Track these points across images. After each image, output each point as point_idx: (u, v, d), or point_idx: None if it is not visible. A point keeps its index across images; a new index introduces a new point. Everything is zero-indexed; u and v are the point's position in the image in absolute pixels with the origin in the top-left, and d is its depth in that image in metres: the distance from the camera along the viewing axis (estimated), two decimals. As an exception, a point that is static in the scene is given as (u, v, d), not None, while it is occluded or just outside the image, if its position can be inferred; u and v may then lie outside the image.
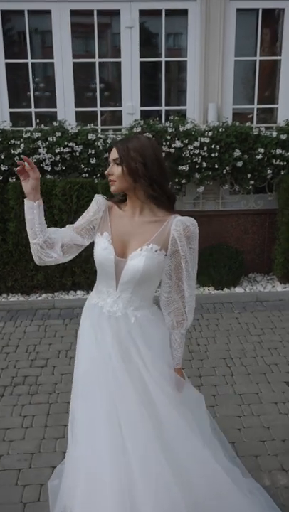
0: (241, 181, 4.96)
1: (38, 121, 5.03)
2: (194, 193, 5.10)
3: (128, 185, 1.75)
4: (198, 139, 4.65)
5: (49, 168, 4.69)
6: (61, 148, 4.59)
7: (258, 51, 5.15)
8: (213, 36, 4.91)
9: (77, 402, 1.90)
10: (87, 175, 4.74)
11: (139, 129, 4.64)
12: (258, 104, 5.26)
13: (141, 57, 5.00)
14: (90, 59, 5.08)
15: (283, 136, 4.78)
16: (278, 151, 4.76)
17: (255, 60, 5.17)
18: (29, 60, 5.01)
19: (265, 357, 3.65)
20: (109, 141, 4.67)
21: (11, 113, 5.07)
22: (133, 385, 1.76)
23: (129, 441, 1.74)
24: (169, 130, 4.66)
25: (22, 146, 4.57)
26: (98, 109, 5.14)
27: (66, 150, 4.61)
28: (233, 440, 2.67)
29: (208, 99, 5.05)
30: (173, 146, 4.64)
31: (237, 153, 4.69)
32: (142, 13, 4.93)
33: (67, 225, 1.88)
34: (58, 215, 4.55)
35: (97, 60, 5.05)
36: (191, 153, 4.68)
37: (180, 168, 4.71)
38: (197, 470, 1.85)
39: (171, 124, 4.73)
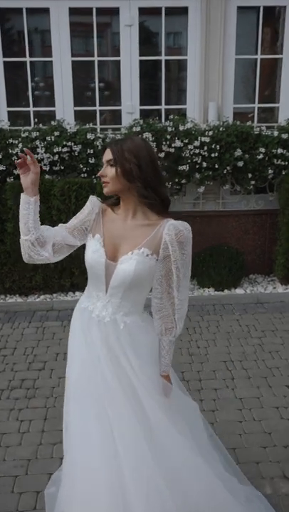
0: (242, 181, 4.91)
1: (36, 120, 4.98)
2: (194, 193, 5.05)
3: (122, 187, 1.71)
4: (199, 138, 4.60)
5: (47, 168, 4.64)
6: (60, 147, 4.54)
7: (259, 49, 5.09)
8: (213, 34, 4.86)
9: (70, 405, 1.89)
10: (85, 175, 4.69)
11: (138, 129, 4.59)
12: (258, 103, 5.21)
13: (140, 55, 4.95)
14: (89, 57, 5.02)
15: (284, 136, 4.73)
16: (279, 150, 4.72)
17: (256, 59, 5.12)
18: (27, 59, 4.96)
19: (266, 360, 3.60)
20: (108, 140, 4.62)
21: (9, 112, 5.02)
22: (122, 388, 1.75)
23: (120, 445, 1.72)
24: (169, 129, 4.62)
25: (20, 145, 4.52)
26: (97, 108, 5.09)
27: (65, 150, 4.57)
28: (233, 446, 2.62)
29: (209, 98, 5.00)
30: (173, 145, 4.59)
31: (238, 152, 4.64)
32: (142, 12, 4.88)
33: (60, 224, 1.85)
34: (57, 216, 4.50)
35: (96, 58, 5.00)
36: (191, 152, 4.63)
37: (180, 168, 4.67)
38: (190, 477, 1.82)
39: (171, 123, 4.69)
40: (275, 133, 4.78)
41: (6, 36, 4.95)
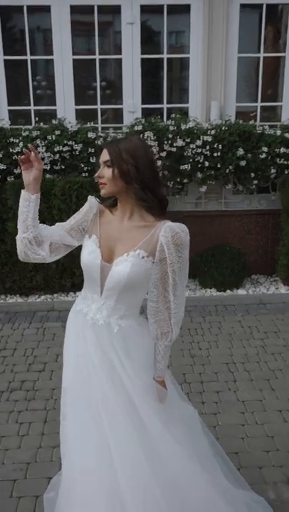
0: (244, 181, 4.87)
1: (37, 119, 4.94)
2: (196, 193, 5.01)
3: (119, 188, 1.68)
4: (201, 137, 4.55)
5: (48, 167, 4.61)
6: (60, 146, 4.51)
7: (262, 48, 5.05)
8: (216, 33, 4.82)
9: (67, 410, 1.85)
10: (87, 174, 4.65)
11: (140, 128, 4.55)
12: (261, 101, 5.17)
13: (142, 54, 4.91)
14: (90, 56, 4.99)
15: (287, 135, 4.70)
16: (282, 149, 4.68)
17: (259, 57, 5.08)
18: (28, 57, 4.93)
19: (268, 362, 3.55)
20: (109, 139, 4.58)
21: (9, 111, 4.99)
22: (117, 393, 1.71)
23: (116, 453, 1.69)
24: (171, 128, 4.57)
25: (21, 144, 4.49)
26: (98, 106, 5.05)
27: (66, 149, 4.53)
28: (236, 450, 2.58)
29: (211, 97, 4.96)
30: (175, 144, 4.55)
31: (240, 152, 4.60)
32: (144, 10, 4.84)
33: (57, 224, 1.82)
34: (58, 215, 4.47)
35: (97, 57, 4.96)
36: (193, 152, 4.59)
37: (182, 167, 4.63)
38: (187, 484, 1.79)
39: (173, 122, 4.65)
40: (278, 132, 4.74)
41: (7, 34, 4.92)
